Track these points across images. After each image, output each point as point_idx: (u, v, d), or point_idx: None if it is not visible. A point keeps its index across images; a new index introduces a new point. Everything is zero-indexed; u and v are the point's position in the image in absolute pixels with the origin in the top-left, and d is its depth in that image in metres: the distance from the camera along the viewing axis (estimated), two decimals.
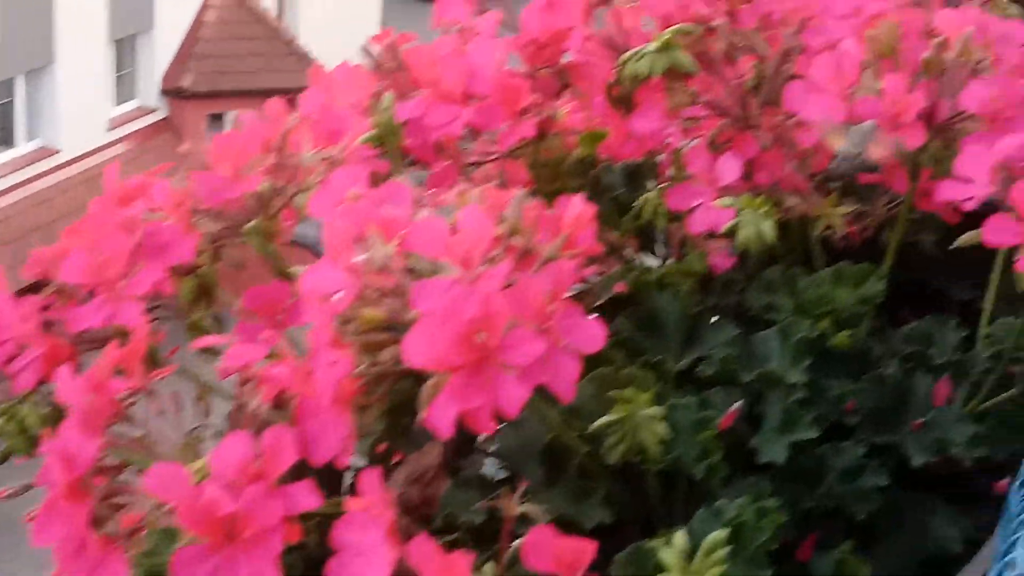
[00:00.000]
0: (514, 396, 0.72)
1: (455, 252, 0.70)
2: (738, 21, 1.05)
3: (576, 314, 0.76)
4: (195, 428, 0.78)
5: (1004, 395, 0.98)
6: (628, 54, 0.98)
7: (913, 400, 0.96)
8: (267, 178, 0.92)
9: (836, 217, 0.99)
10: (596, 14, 1.06)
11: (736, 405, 0.90)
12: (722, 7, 1.03)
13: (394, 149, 1.00)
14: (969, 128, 0.92)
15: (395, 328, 0.73)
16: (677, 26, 0.98)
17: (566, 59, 1.05)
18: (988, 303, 1.01)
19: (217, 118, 14.68)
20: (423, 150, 1.05)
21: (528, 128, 0.99)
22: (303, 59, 15.61)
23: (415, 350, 0.70)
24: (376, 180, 0.98)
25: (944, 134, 0.94)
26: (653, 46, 0.97)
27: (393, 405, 0.78)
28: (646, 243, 1.12)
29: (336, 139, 0.98)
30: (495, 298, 0.69)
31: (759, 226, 0.92)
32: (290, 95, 1.05)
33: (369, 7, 17.00)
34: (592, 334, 0.75)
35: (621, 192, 1.15)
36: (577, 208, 0.76)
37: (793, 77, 1.00)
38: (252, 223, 0.92)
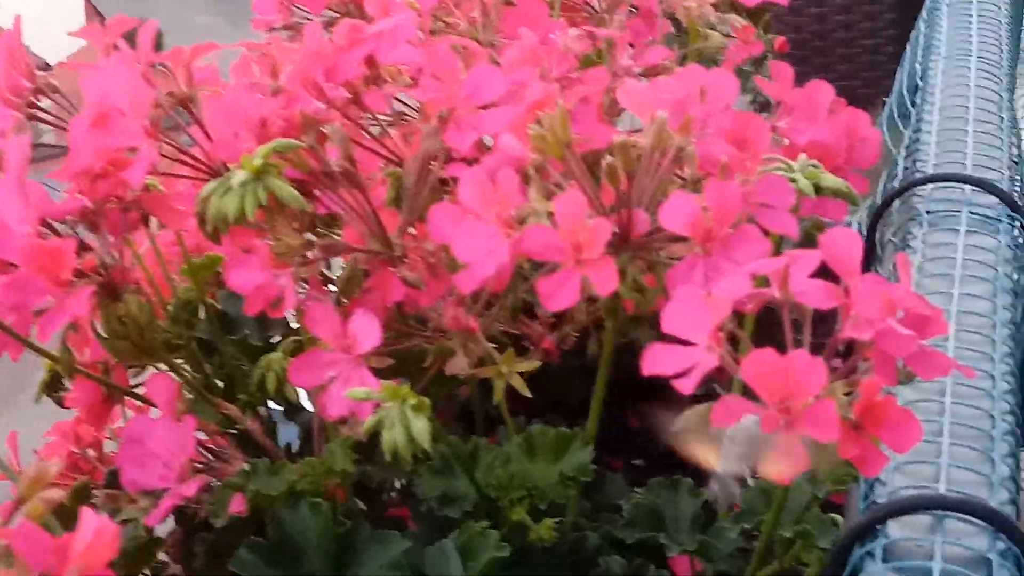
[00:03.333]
0: None
1: None
2: (366, 108, 0.78)
3: None
4: None
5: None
6: (210, 187, 0.71)
7: None
8: None
9: (516, 378, 0.74)
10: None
11: None
12: (340, 100, 0.75)
13: None
14: (676, 252, 0.68)
15: None
16: (273, 143, 0.70)
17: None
18: None
19: None
20: None
21: (80, 303, 0.70)
22: None
23: None
24: None
25: (645, 255, 0.70)
26: (241, 176, 0.69)
27: None
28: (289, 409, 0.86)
29: None
30: None
31: (410, 426, 0.66)
32: None
33: None
34: None
35: (249, 333, 0.87)
36: (92, 525, 0.49)
37: (443, 188, 0.75)
38: None
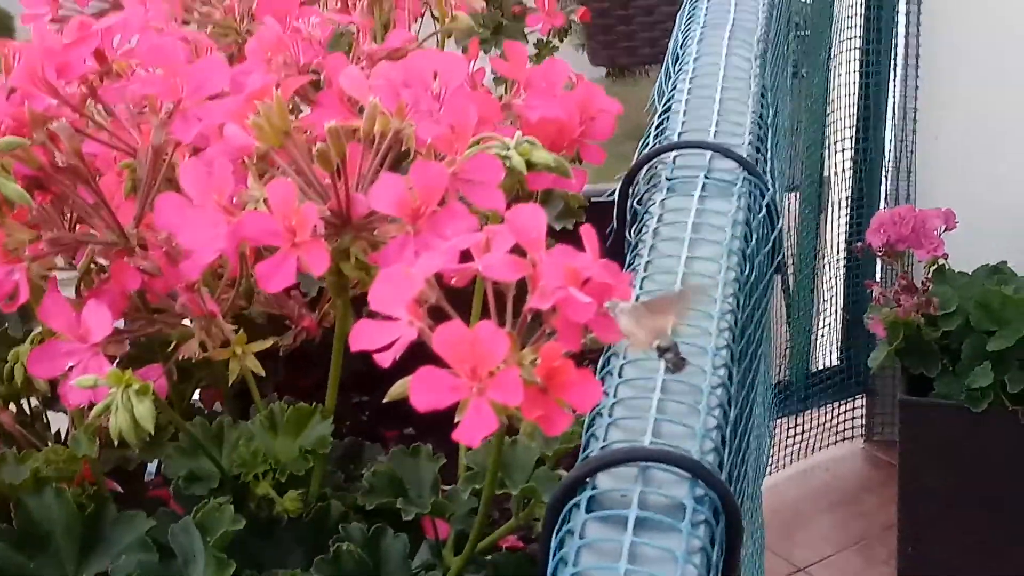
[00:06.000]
0: None
1: None
2: (103, 103, 0.80)
3: None
4: None
5: (493, 536, 0.79)
6: None
7: (386, 571, 0.76)
8: None
9: (252, 359, 0.77)
10: None
11: None
12: (74, 98, 0.77)
13: None
14: (390, 231, 0.71)
15: None
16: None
17: None
18: None
19: None
20: None
21: None
22: None
23: None
24: None
25: (366, 236, 0.73)
26: None
27: None
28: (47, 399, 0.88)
29: None
30: None
31: (134, 411, 0.68)
32: None
33: None
34: None
35: (10, 326, 0.89)
36: None
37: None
38: None
